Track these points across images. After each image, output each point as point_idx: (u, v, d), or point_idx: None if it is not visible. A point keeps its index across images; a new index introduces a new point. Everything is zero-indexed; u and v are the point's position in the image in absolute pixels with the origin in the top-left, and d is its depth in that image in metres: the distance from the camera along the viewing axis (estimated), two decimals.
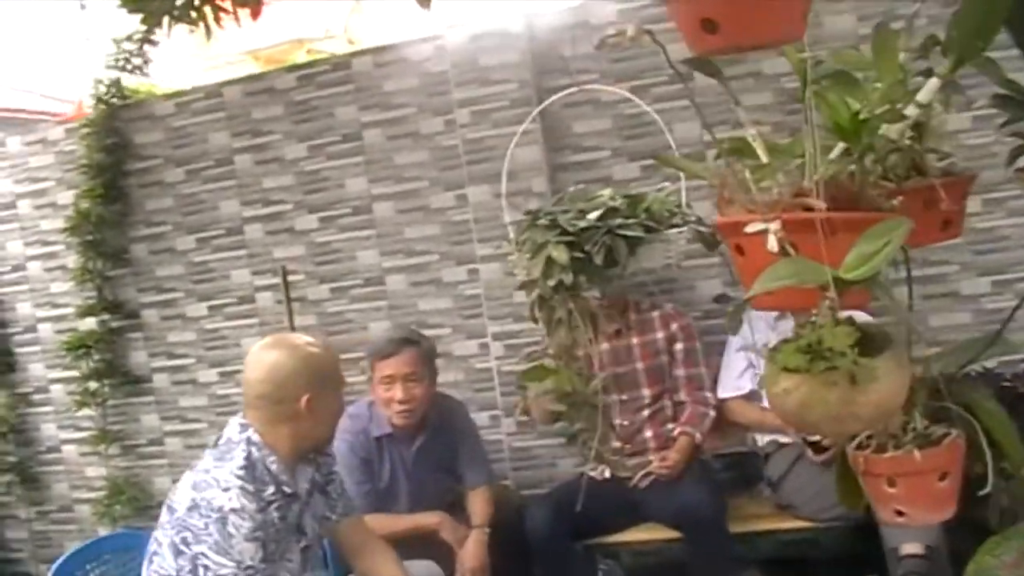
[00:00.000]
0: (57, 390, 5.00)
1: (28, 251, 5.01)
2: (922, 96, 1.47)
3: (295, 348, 2.47)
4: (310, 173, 4.47)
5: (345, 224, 4.46)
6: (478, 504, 3.57)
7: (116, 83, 4.68)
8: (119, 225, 4.76)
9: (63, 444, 5.04)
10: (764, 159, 1.62)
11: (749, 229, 1.31)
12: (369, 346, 3.65)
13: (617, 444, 3.64)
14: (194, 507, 2.30)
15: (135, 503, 4.78)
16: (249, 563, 2.26)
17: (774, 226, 1.28)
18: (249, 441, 2.39)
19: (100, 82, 4.68)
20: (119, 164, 4.71)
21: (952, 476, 1.57)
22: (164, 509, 2.40)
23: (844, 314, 1.30)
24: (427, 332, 3.88)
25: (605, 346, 3.65)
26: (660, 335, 3.66)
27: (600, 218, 2.20)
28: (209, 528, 2.27)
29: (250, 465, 2.36)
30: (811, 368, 1.17)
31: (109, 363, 4.81)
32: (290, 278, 4.52)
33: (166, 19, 3.25)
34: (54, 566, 2.98)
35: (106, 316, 4.78)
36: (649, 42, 1.55)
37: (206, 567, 2.26)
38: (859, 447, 1.63)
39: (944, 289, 3.80)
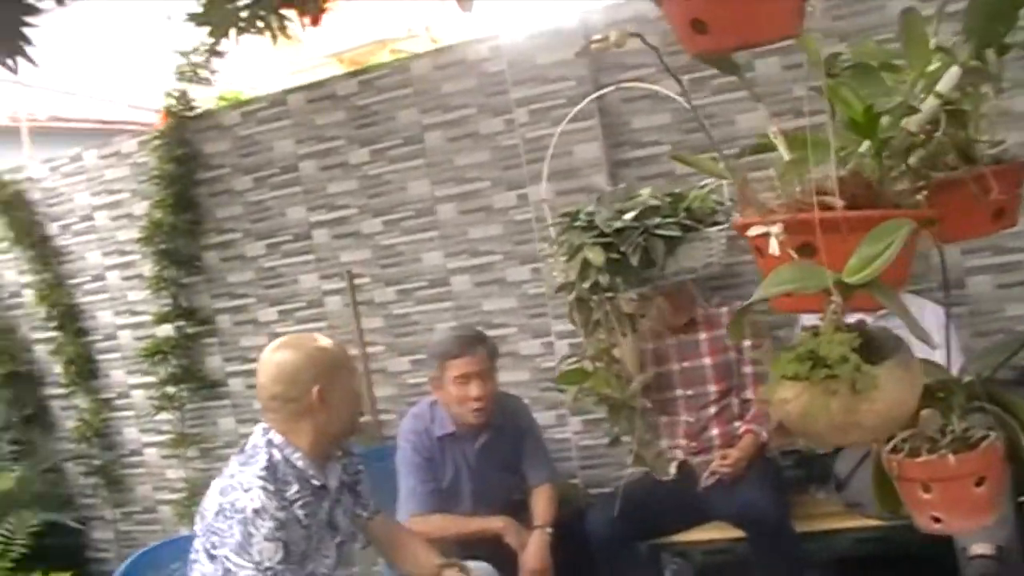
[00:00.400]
0: (138, 395, 5.14)
1: (106, 261, 5.16)
2: (942, 86, 1.41)
3: (300, 345, 2.54)
4: (373, 177, 4.51)
5: (409, 227, 4.48)
6: (541, 503, 3.56)
7: (184, 95, 4.77)
8: (191, 233, 4.87)
9: (145, 447, 5.19)
10: (786, 156, 1.58)
11: (751, 232, 1.27)
12: (435, 346, 3.62)
13: (682, 442, 3.61)
14: (220, 511, 2.36)
15: None
16: (268, 564, 2.30)
17: (775, 229, 1.24)
18: (271, 443, 2.46)
19: (170, 94, 4.78)
20: (190, 174, 4.81)
21: (991, 481, 1.50)
22: (197, 516, 2.47)
23: (854, 318, 1.26)
24: (492, 332, 3.87)
25: (672, 340, 3.62)
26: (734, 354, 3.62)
27: (636, 218, 2.16)
28: (232, 529, 2.32)
29: (272, 466, 2.41)
30: (811, 376, 1.13)
31: (186, 368, 4.93)
32: (356, 281, 4.56)
33: (232, 30, 3.36)
34: (123, 565, 3.04)
35: (181, 322, 4.90)
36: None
37: (228, 570, 2.32)
38: (894, 450, 1.58)
39: (1020, 278, 3.66)
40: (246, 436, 4.83)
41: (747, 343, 3.55)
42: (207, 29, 3.30)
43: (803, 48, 1.56)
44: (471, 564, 2.87)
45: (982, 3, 1.33)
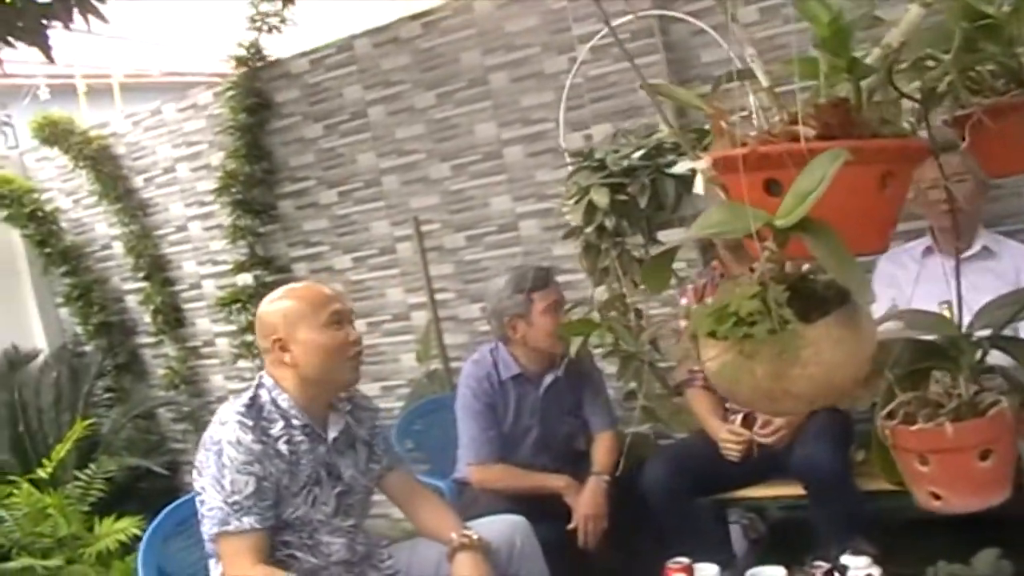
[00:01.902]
0: (222, 343, 5.22)
1: (188, 212, 5.23)
2: None
3: (272, 297, 2.57)
4: (439, 121, 4.41)
5: (476, 171, 4.38)
6: (601, 451, 3.47)
7: (255, 44, 4.76)
8: (266, 183, 4.88)
9: (230, 394, 5.27)
10: (764, 83, 1.43)
11: (676, 170, 1.14)
12: (517, 283, 3.50)
13: None
14: (201, 444, 2.41)
15: None
16: (237, 496, 2.32)
17: (700, 164, 1.10)
18: (260, 384, 2.49)
19: (241, 44, 4.77)
20: (262, 123, 4.81)
21: (998, 454, 1.33)
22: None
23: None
24: (561, 278, 3.75)
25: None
26: None
27: (647, 156, 2.02)
28: (208, 460, 2.37)
29: (254, 403, 2.44)
30: (730, 335, 0.99)
31: None
32: (425, 228, 4.50)
33: None
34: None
35: (259, 271, 4.93)
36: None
37: (202, 502, 2.38)
38: (889, 415, 1.43)
39: None
40: None
41: None
42: None
43: None
44: (508, 516, 2.80)
45: None
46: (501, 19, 4.20)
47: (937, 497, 1.37)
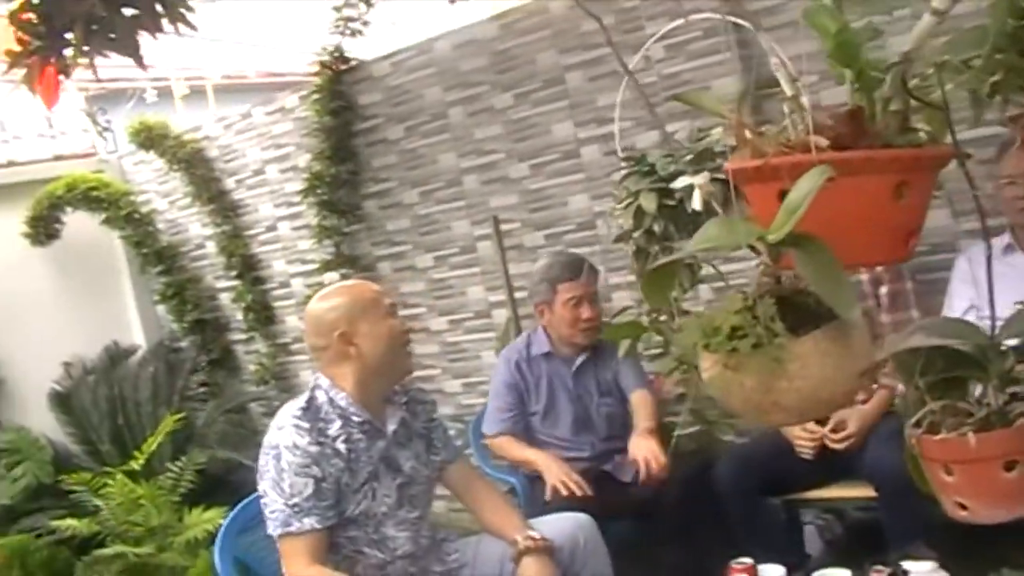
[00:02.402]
0: None
1: (277, 212, 5.38)
2: (939, 1, 1.23)
3: (326, 294, 2.63)
4: (517, 121, 4.46)
5: (554, 170, 4.41)
6: (640, 410, 3.55)
7: (338, 48, 4.86)
8: (351, 183, 4.99)
9: None
10: (789, 92, 1.43)
11: (677, 184, 1.15)
12: (544, 271, 3.67)
13: None
14: (262, 449, 2.49)
15: None
16: (296, 500, 2.39)
17: (699, 179, 1.12)
18: (317, 385, 2.56)
19: (324, 48, 4.88)
20: (347, 125, 4.92)
21: None
22: None
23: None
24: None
25: None
26: (865, 276, 3.35)
27: (696, 159, 2.02)
28: (268, 465, 2.44)
29: (310, 406, 2.50)
30: (718, 348, 1.01)
31: None
32: (505, 227, 4.54)
33: None
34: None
35: (345, 270, 5.04)
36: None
37: (265, 504, 2.46)
38: (918, 423, 1.42)
39: None
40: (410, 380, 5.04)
41: (884, 289, 3.29)
42: None
43: None
44: (572, 514, 2.83)
45: None
46: (576, 19, 4.21)
47: (963, 507, 1.36)
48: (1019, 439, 1.32)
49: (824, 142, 1.26)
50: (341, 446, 2.48)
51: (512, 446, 3.61)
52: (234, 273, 5.51)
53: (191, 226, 5.79)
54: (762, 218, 1.26)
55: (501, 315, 4.62)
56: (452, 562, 2.71)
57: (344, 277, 5.02)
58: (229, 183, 5.54)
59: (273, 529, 2.45)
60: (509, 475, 3.74)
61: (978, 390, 1.42)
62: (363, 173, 4.99)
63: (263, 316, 5.47)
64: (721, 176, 2.03)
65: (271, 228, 5.45)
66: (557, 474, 3.36)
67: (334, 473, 2.45)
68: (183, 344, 5.83)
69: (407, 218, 4.90)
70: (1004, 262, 3.15)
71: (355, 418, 2.53)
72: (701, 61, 3.81)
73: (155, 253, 5.76)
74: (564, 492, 3.33)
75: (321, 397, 2.53)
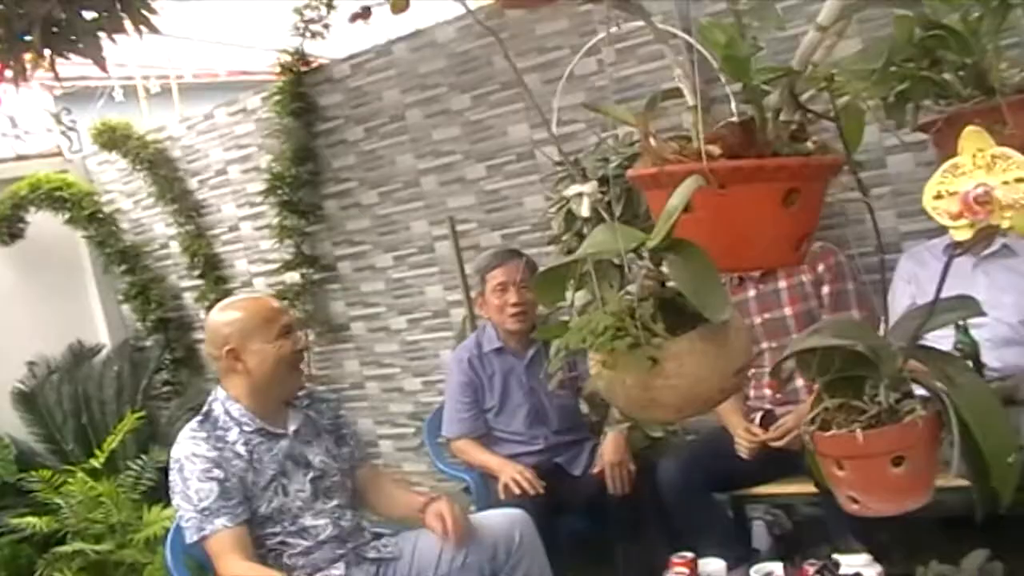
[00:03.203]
0: None
1: (240, 212, 5.41)
2: (822, 16, 1.29)
3: (226, 306, 2.75)
4: (475, 123, 4.51)
5: (511, 171, 4.47)
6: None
7: (299, 50, 4.90)
8: (312, 184, 5.03)
9: None
10: (691, 101, 1.50)
11: (567, 192, 1.22)
12: (475, 265, 3.85)
13: (767, 392, 3.48)
14: (168, 466, 2.62)
15: None
16: (204, 503, 2.50)
17: (587, 188, 1.18)
18: (213, 398, 2.68)
19: (285, 51, 4.92)
20: (308, 127, 4.95)
21: (912, 461, 1.38)
22: None
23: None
24: None
25: (752, 292, 3.46)
26: (808, 277, 3.41)
27: (621, 165, 2.08)
28: (174, 478, 2.57)
29: (207, 417, 2.63)
30: (597, 348, 1.07)
31: (311, 313, 5.13)
32: (462, 227, 4.60)
33: None
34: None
35: (306, 269, 5.09)
36: None
37: (180, 516, 2.57)
38: (812, 420, 1.49)
39: None
40: (370, 378, 5.09)
41: (826, 289, 3.36)
42: None
43: None
44: (507, 510, 2.90)
45: None
46: (531, 22, 4.28)
47: (855, 501, 1.43)
48: (906, 436, 1.39)
49: (717, 151, 1.33)
50: (241, 449, 2.60)
51: (472, 449, 3.68)
52: (197, 272, 5.53)
53: (155, 226, 5.81)
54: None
55: (459, 314, 4.68)
56: (387, 553, 2.80)
57: (304, 276, 5.09)
58: (192, 183, 5.57)
59: (190, 537, 2.57)
60: (464, 473, 3.80)
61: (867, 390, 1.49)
62: (324, 173, 5.03)
63: None
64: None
65: (233, 228, 5.48)
66: (510, 472, 3.43)
67: (237, 473, 2.57)
68: (147, 343, 5.84)
69: (367, 218, 4.95)
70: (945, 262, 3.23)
71: (248, 427, 2.64)
72: (653, 64, 3.86)
73: (119, 252, 5.77)
74: (516, 491, 3.39)
75: (218, 409, 2.66)
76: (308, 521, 2.66)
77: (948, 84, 1.54)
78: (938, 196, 1.06)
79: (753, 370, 3.52)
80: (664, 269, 1.11)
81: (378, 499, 2.94)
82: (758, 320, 3.47)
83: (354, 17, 1.42)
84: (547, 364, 3.69)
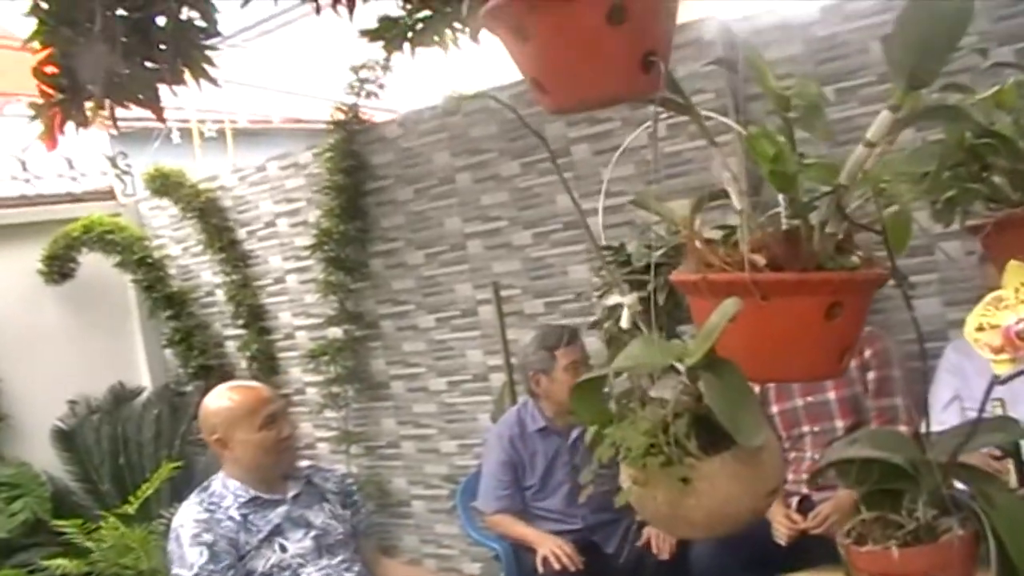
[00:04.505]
0: (312, 392, 5.41)
1: (286, 265, 5.47)
2: (872, 133, 1.29)
3: (213, 395, 2.85)
4: (523, 190, 4.54)
5: (557, 239, 4.48)
6: None
7: (353, 108, 4.97)
8: (359, 241, 5.08)
9: (317, 442, 5.46)
10: (737, 206, 1.49)
11: (608, 302, 1.21)
12: (540, 340, 3.73)
13: (806, 477, 3.43)
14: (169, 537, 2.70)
15: (375, 499, 5.10)
16: (197, 569, 2.57)
17: (628, 299, 1.18)
18: (216, 476, 2.82)
19: (340, 108, 4.99)
20: (358, 184, 5.01)
21: None
22: None
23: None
24: None
25: None
26: (854, 361, 3.38)
27: (672, 252, 2.06)
28: (171, 547, 2.66)
29: (205, 489, 2.75)
30: (629, 464, 1.06)
31: (351, 369, 5.15)
32: (506, 292, 4.61)
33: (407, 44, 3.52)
34: None
35: (348, 326, 5.12)
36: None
37: None
38: (848, 532, 1.46)
39: None
40: (406, 437, 5.08)
41: (871, 375, 3.32)
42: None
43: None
44: None
45: (907, 38, 1.20)
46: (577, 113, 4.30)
47: None
48: (942, 555, 1.35)
49: (761, 260, 1.32)
50: (234, 513, 2.69)
51: (509, 524, 3.67)
52: (241, 322, 5.59)
53: (202, 273, 5.88)
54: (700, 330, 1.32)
55: (498, 379, 4.67)
56: None
57: (347, 333, 5.12)
58: (241, 233, 5.64)
59: None
60: (493, 541, 3.78)
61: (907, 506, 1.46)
62: (371, 231, 5.07)
63: (267, 366, 5.54)
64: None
65: (279, 280, 5.53)
66: (550, 546, 3.41)
67: (226, 534, 2.64)
68: (188, 388, 5.89)
69: (412, 278, 4.98)
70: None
71: (243, 497, 2.73)
72: (702, 141, 3.86)
73: (165, 297, 5.84)
74: (556, 565, 3.37)
75: (218, 483, 2.77)
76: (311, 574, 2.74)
77: (998, 188, 1.53)
78: (980, 328, 1.05)
79: (793, 454, 3.48)
80: (700, 385, 1.10)
81: (391, 574, 3.07)
82: (801, 403, 3.43)
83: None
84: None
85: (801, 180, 1.29)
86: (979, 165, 1.50)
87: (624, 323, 1.19)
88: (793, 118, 1.38)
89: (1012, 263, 1.06)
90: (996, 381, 1.13)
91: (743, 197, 1.48)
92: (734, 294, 1.25)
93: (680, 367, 1.09)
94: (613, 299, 1.21)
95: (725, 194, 1.52)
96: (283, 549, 2.71)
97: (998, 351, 1.01)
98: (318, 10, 3.11)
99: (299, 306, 5.45)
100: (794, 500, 3.40)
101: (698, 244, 1.45)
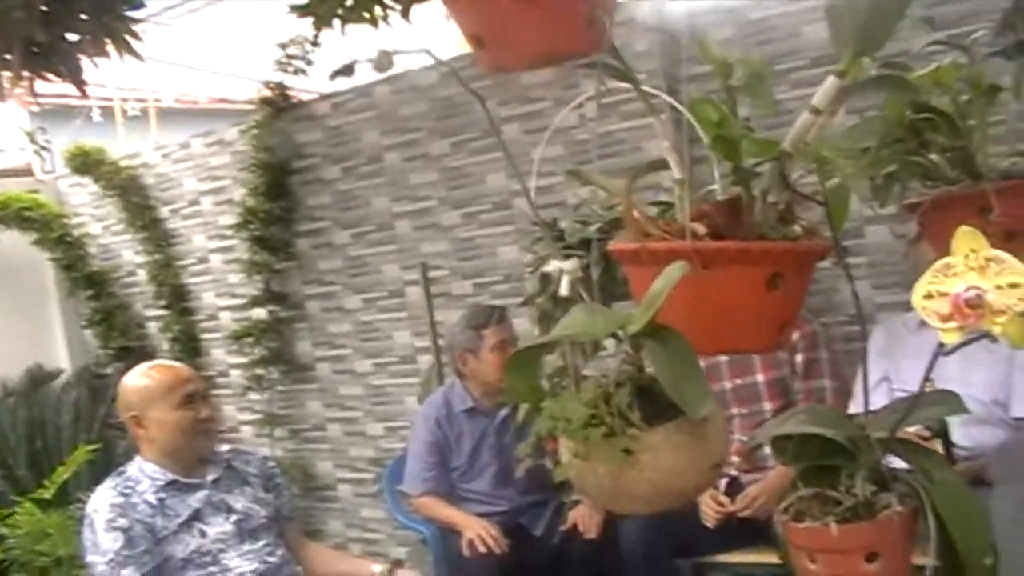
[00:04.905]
0: (235, 374, 5.31)
1: (210, 244, 5.34)
2: (817, 100, 1.27)
3: (132, 373, 2.79)
4: (453, 169, 4.48)
5: (486, 220, 4.44)
6: None
7: (280, 85, 4.86)
8: (284, 220, 4.97)
9: (241, 425, 5.36)
10: (677, 175, 1.46)
11: (547, 268, 1.17)
12: (468, 319, 3.71)
13: (735, 460, 3.45)
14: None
15: (300, 483, 5.02)
16: (111, 554, 2.51)
17: (568, 265, 1.14)
18: (133, 458, 2.75)
19: (267, 84, 4.88)
20: (284, 163, 4.91)
21: (885, 558, 1.34)
22: None
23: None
24: None
25: (725, 357, 3.44)
26: None
27: (607, 227, 2.04)
28: (85, 533, 2.60)
29: (121, 473, 2.69)
30: (570, 436, 1.02)
31: (276, 351, 5.06)
32: (434, 273, 4.56)
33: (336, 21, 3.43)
34: None
35: (273, 306, 5.02)
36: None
37: (91, 571, 2.58)
38: (786, 509, 1.44)
39: None
40: (332, 420, 5.01)
41: (799, 357, 3.34)
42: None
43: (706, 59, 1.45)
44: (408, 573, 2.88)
45: (856, 3, 1.18)
46: (515, 72, 4.27)
47: None
48: (881, 532, 1.34)
49: (702, 229, 1.29)
50: (150, 497, 2.62)
51: (436, 506, 3.63)
52: (163, 302, 5.45)
53: (124, 252, 5.72)
54: (640, 301, 1.29)
55: (426, 361, 4.62)
56: None
57: (271, 314, 5.02)
58: (164, 212, 5.49)
59: None
60: (420, 525, 3.74)
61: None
62: (297, 211, 4.98)
63: (189, 347, 5.41)
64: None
65: (203, 260, 5.40)
66: (476, 529, 3.38)
67: (142, 519, 2.57)
68: (108, 371, 5.72)
69: (338, 258, 4.89)
70: (918, 335, 3.22)
71: (159, 480, 2.66)
72: (635, 122, 3.85)
73: (85, 277, 5.67)
74: (482, 548, 3.34)
75: (134, 467, 2.70)
76: (233, 562, 2.68)
77: (936, 166, 1.52)
78: (928, 296, 1.03)
79: None
80: (643, 354, 1.07)
81: (316, 558, 2.98)
82: (729, 385, 3.44)
83: (335, 74, 1.37)
84: (515, 423, 3.66)
85: (745, 147, 1.26)
86: (917, 141, 1.49)
87: (564, 290, 1.14)
88: (736, 86, 1.36)
89: (962, 228, 1.04)
90: (941, 352, 1.11)
91: (683, 167, 1.45)
92: (672, 262, 1.23)
93: (623, 335, 1.05)
94: (552, 265, 1.16)
95: (664, 164, 1.49)
96: (203, 534, 2.65)
97: (946, 319, 1.00)
98: None
99: (223, 286, 5.33)
100: (723, 482, 3.41)
101: (636, 214, 1.42)
